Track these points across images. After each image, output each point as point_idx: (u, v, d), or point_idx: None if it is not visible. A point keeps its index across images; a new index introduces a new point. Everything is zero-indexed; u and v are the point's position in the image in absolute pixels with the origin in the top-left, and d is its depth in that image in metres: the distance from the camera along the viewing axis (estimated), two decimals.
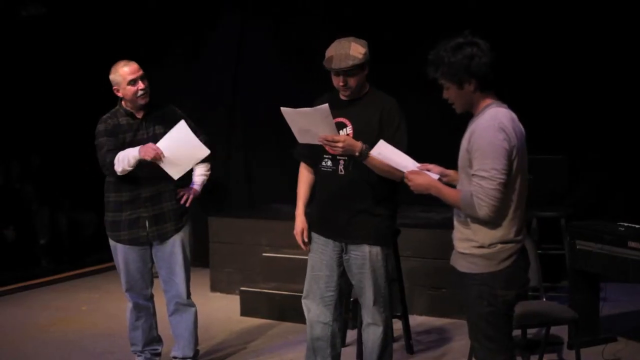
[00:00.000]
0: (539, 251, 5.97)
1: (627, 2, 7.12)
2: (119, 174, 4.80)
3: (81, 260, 8.75)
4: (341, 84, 4.28)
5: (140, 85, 4.86)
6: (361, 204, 4.32)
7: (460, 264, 3.62)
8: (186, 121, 5.06)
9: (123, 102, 4.97)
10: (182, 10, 8.77)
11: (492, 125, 3.43)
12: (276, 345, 5.96)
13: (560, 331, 5.55)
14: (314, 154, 4.43)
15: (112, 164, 4.79)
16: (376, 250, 4.38)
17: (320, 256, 4.49)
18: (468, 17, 7.29)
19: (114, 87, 4.91)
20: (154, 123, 4.97)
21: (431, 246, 6.48)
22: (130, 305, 5.20)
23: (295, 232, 4.54)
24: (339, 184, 4.34)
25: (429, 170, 3.78)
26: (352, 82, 4.27)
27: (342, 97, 4.36)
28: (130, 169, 4.78)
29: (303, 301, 4.58)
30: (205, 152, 4.91)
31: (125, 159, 4.76)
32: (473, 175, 3.44)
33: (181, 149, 4.81)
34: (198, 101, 8.77)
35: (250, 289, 6.83)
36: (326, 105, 4.04)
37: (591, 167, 7.37)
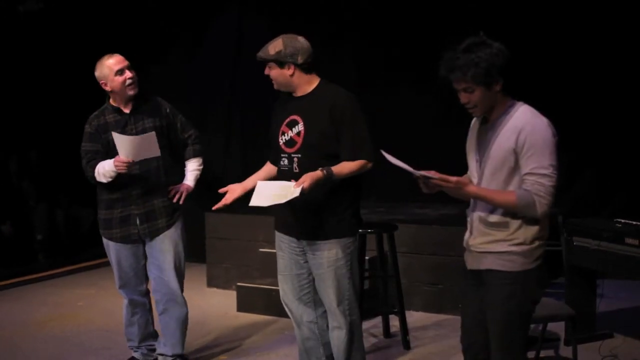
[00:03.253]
0: None
1: (627, 1, 7.11)
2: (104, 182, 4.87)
3: (78, 255, 8.75)
4: (265, 72, 4.29)
5: (128, 74, 4.79)
6: (318, 201, 4.22)
7: (492, 263, 3.53)
8: (173, 113, 5.04)
9: (111, 99, 4.92)
10: (181, 7, 8.76)
11: (543, 122, 3.44)
12: (273, 341, 5.96)
13: (557, 327, 5.55)
14: (273, 153, 4.44)
15: (94, 177, 4.86)
16: (335, 248, 4.27)
17: (288, 255, 4.44)
18: (467, 17, 7.30)
19: (101, 82, 4.84)
20: (143, 117, 4.91)
21: (428, 242, 6.48)
22: (125, 301, 5.20)
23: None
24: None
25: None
26: (272, 74, 4.27)
27: (277, 87, 4.35)
28: (112, 179, 4.82)
29: (282, 301, 4.55)
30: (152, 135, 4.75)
31: (106, 173, 4.80)
32: (529, 173, 3.38)
33: (140, 147, 4.73)
34: (197, 98, 8.79)
35: (247, 285, 6.82)
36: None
37: (589, 164, 7.38)
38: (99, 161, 4.84)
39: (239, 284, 6.89)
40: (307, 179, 4.02)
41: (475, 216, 3.60)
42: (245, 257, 7.27)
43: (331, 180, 4.10)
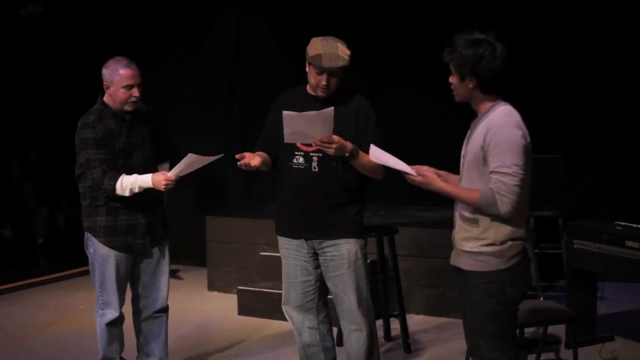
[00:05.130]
0: (537, 250, 5.99)
1: (627, 2, 7.12)
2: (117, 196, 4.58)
3: (79, 258, 8.72)
4: (324, 83, 4.21)
5: (135, 92, 4.59)
6: (335, 200, 4.25)
7: (467, 263, 3.62)
8: (153, 118, 4.89)
9: (108, 101, 4.66)
10: (181, 9, 8.77)
11: (510, 122, 3.50)
12: (274, 345, 5.96)
13: (558, 330, 5.55)
14: (280, 151, 4.33)
15: (114, 190, 4.54)
16: (355, 247, 4.29)
17: (293, 262, 4.39)
18: (468, 16, 7.30)
19: (105, 82, 4.62)
20: (139, 124, 4.75)
21: (428, 245, 6.48)
22: (106, 319, 4.81)
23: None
24: (312, 181, 4.24)
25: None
26: (333, 82, 4.22)
27: (320, 94, 4.27)
28: (132, 194, 4.57)
29: (283, 308, 4.50)
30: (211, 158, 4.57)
31: (135, 186, 4.53)
32: (493, 172, 3.45)
33: (192, 167, 4.53)
34: (197, 99, 8.79)
35: (248, 288, 6.83)
36: (331, 108, 4.01)
37: (589, 167, 7.38)
38: (120, 174, 4.55)
39: (239, 287, 6.89)
40: (340, 141, 4.05)
41: (456, 211, 3.69)
42: (246, 261, 7.27)
43: (352, 158, 4.13)
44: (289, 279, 4.44)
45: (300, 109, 4.20)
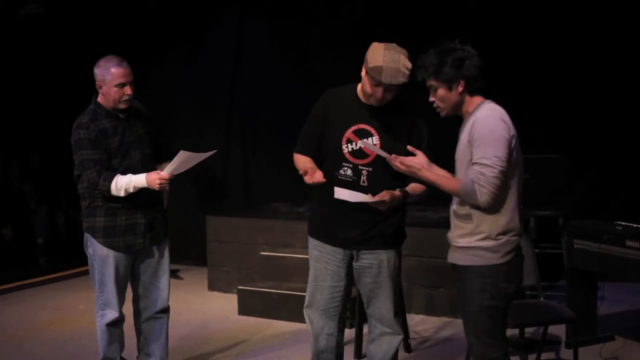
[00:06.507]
0: (537, 250, 5.97)
1: (626, 2, 7.12)
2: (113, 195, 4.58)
3: (79, 259, 8.72)
4: (379, 96, 4.01)
5: (127, 90, 4.57)
6: (382, 215, 4.11)
7: (462, 258, 3.66)
8: (151, 118, 4.88)
9: (102, 100, 4.65)
10: (181, 9, 8.77)
11: (493, 116, 3.58)
12: (273, 344, 5.96)
13: (558, 330, 5.56)
14: (325, 155, 4.20)
15: (109, 190, 4.53)
16: (393, 256, 4.24)
17: (325, 265, 4.27)
18: (467, 17, 7.31)
19: (97, 81, 4.60)
20: (136, 122, 4.73)
21: (428, 245, 6.47)
22: (107, 319, 4.80)
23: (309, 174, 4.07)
24: None
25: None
26: (389, 96, 4.04)
27: (373, 103, 4.08)
28: (127, 194, 4.57)
29: (305, 311, 4.40)
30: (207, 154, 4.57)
31: (129, 186, 4.52)
32: (474, 163, 3.53)
33: (186, 165, 4.53)
34: (197, 100, 8.79)
35: (248, 288, 6.82)
36: (369, 197, 3.90)
37: (589, 167, 7.38)
38: (115, 174, 4.55)
39: (240, 287, 6.88)
40: (389, 198, 3.96)
41: (451, 210, 3.75)
42: (246, 261, 7.28)
43: (404, 200, 4.10)
44: (317, 282, 4.33)
45: (350, 117, 4.12)
